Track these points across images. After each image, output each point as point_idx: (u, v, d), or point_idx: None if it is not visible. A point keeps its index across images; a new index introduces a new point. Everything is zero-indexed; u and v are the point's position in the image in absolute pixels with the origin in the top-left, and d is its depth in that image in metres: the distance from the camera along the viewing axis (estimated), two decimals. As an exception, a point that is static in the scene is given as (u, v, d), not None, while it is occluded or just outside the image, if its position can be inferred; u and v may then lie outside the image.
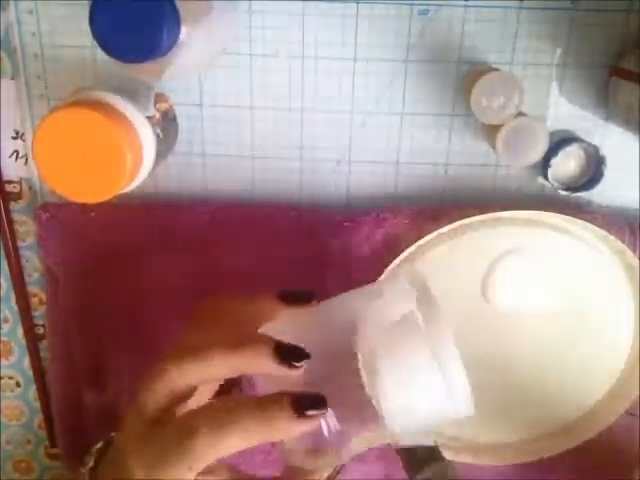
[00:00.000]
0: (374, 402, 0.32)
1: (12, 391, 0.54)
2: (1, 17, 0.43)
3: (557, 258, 0.45)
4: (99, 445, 0.38)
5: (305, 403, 0.30)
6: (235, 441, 0.30)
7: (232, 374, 0.32)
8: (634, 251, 0.45)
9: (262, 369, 0.31)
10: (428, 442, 0.40)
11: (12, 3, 0.43)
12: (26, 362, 0.53)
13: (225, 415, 0.30)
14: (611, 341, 0.48)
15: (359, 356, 0.35)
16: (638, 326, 0.48)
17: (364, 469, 0.51)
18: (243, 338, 0.32)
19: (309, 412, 0.30)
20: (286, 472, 0.36)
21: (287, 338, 0.32)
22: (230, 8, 0.41)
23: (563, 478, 0.52)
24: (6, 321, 0.52)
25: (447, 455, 0.48)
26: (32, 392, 0.54)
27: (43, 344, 0.52)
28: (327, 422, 0.31)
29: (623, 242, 0.45)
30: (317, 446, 0.32)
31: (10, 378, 0.53)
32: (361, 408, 0.33)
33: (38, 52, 0.44)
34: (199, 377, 0.32)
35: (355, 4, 0.43)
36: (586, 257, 0.45)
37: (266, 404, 0.30)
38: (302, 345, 0.32)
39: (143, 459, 0.31)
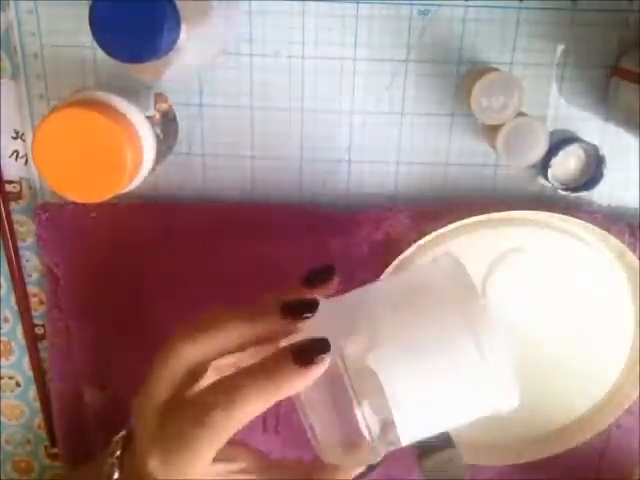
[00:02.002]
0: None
1: (12, 391, 0.54)
2: (1, 17, 0.43)
3: (557, 258, 0.45)
4: (123, 433, 0.38)
5: (307, 351, 0.31)
6: (250, 407, 0.30)
7: (246, 344, 0.32)
8: (634, 251, 0.45)
9: (272, 328, 0.32)
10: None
11: (12, 3, 0.43)
12: (26, 362, 0.53)
13: (236, 383, 0.30)
14: (611, 341, 0.48)
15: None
16: (638, 326, 0.48)
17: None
18: (252, 308, 0.33)
19: (312, 360, 0.30)
20: (317, 462, 0.35)
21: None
22: (230, 8, 0.41)
23: (563, 478, 0.52)
24: (6, 321, 0.52)
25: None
26: (32, 392, 0.54)
27: (43, 344, 0.52)
28: (363, 412, 0.31)
29: (623, 242, 0.45)
30: (352, 439, 0.31)
31: (10, 378, 0.53)
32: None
33: (38, 52, 0.44)
34: (214, 350, 0.32)
35: (355, 4, 0.43)
36: (586, 257, 0.45)
37: (270, 363, 0.31)
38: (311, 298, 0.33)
39: (160, 445, 0.31)
